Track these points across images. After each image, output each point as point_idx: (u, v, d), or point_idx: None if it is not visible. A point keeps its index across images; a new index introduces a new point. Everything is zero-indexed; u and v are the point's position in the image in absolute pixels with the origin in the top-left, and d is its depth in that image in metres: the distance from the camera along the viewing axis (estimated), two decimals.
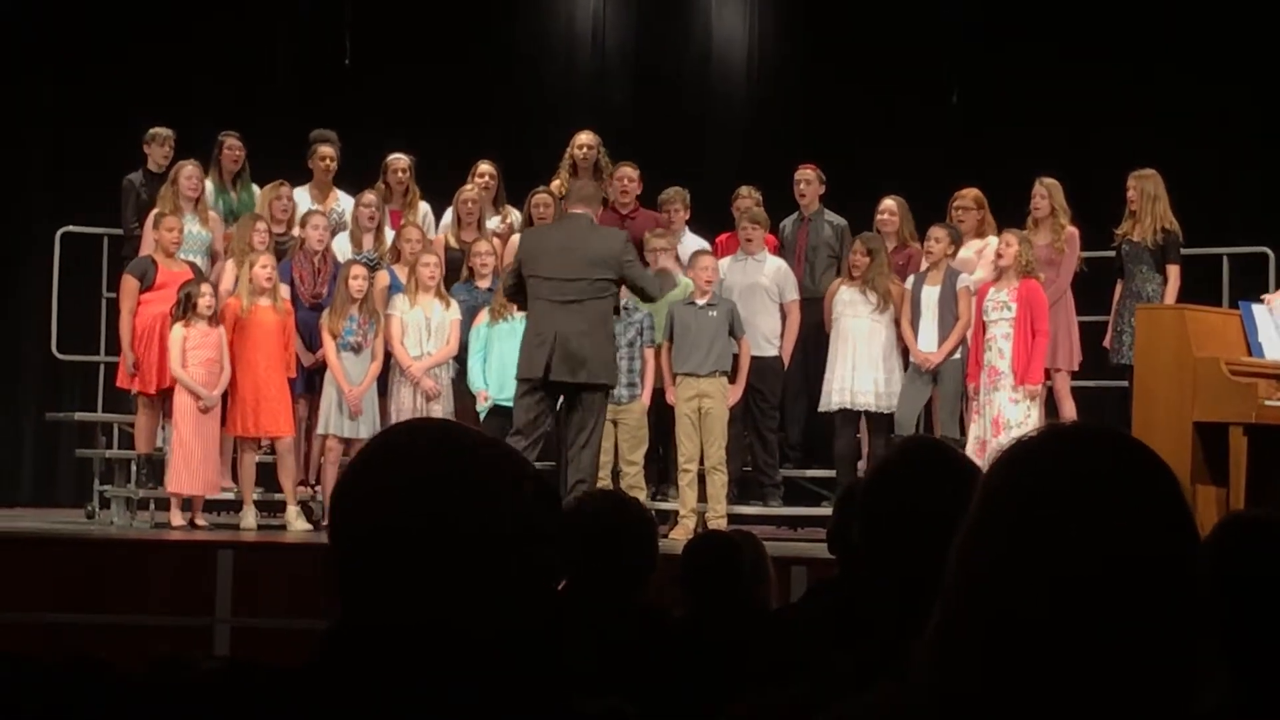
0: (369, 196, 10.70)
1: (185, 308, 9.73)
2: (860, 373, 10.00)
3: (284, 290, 10.13)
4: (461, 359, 10.15)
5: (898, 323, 10.10)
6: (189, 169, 10.42)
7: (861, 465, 10.03)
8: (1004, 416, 9.53)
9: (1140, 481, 1.56)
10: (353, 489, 1.78)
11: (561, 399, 9.07)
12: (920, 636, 1.63)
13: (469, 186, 10.80)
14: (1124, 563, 1.51)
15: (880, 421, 10.04)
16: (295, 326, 10.14)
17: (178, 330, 9.74)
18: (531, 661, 1.76)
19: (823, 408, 10.18)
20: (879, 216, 10.60)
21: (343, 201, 11.04)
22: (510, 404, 9.42)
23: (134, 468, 10.28)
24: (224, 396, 9.93)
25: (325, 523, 9.83)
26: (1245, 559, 2.27)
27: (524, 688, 1.75)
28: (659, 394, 10.11)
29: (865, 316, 10.04)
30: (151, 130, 10.91)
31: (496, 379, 9.90)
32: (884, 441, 9.92)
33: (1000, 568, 1.54)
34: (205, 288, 9.79)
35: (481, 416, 9.93)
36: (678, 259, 10.35)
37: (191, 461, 9.71)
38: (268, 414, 9.91)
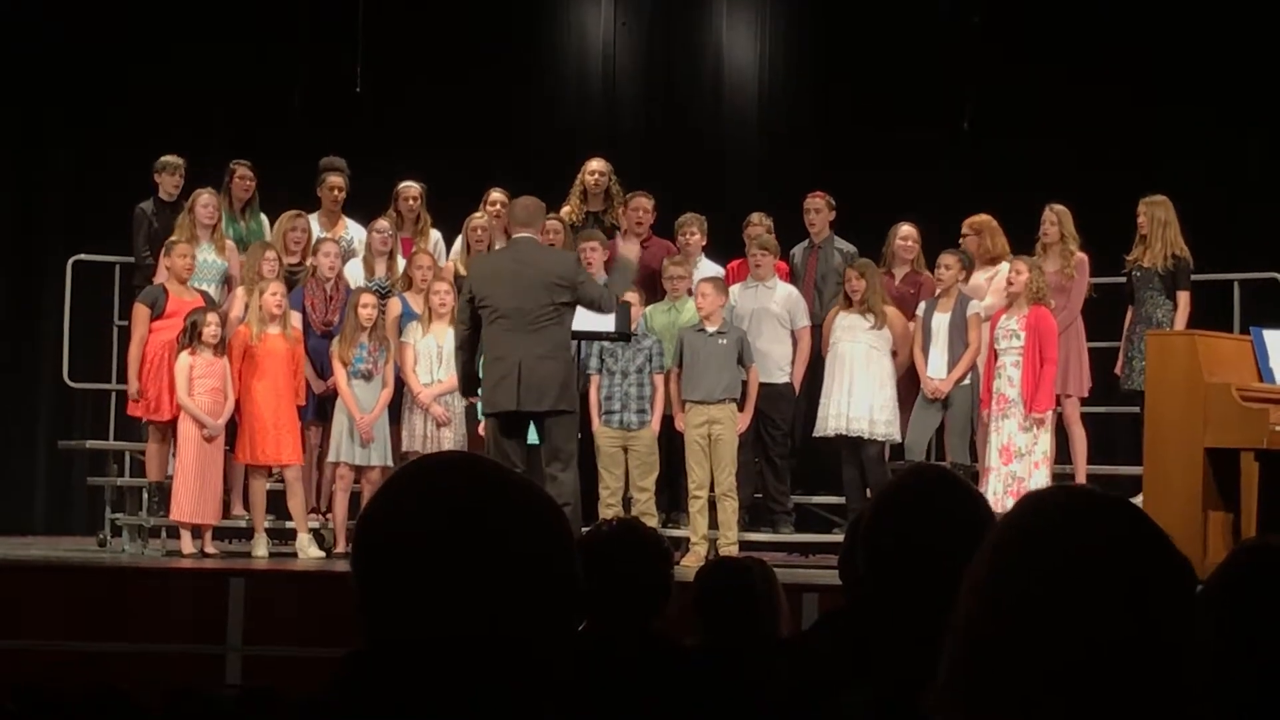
0: (382, 223, 10.71)
1: (191, 336, 9.76)
2: (856, 399, 9.99)
3: (296, 318, 10.15)
4: None
5: (894, 353, 10.10)
6: (205, 197, 10.44)
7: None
8: (1014, 444, 9.53)
9: (1143, 557, 1.61)
10: (380, 513, 1.81)
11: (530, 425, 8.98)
12: (930, 668, 1.65)
13: (479, 214, 10.80)
14: (1123, 636, 1.57)
15: (875, 448, 10.02)
16: (306, 354, 10.16)
17: (184, 358, 9.76)
18: (548, 687, 1.77)
19: (818, 433, 10.17)
20: (901, 243, 10.59)
21: (351, 230, 11.04)
22: None
23: (145, 495, 10.30)
24: (233, 424, 9.96)
25: (338, 549, 9.92)
26: (1259, 588, 2.27)
27: (541, 712, 1.76)
28: (668, 420, 10.11)
29: (863, 342, 10.03)
30: (162, 159, 10.91)
31: None
32: (879, 468, 9.92)
33: (1003, 630, 1.59)
34: (211, 316, 9.81)
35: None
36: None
37: (193, 489, 9.72)
38: (276, 442, 9.93)
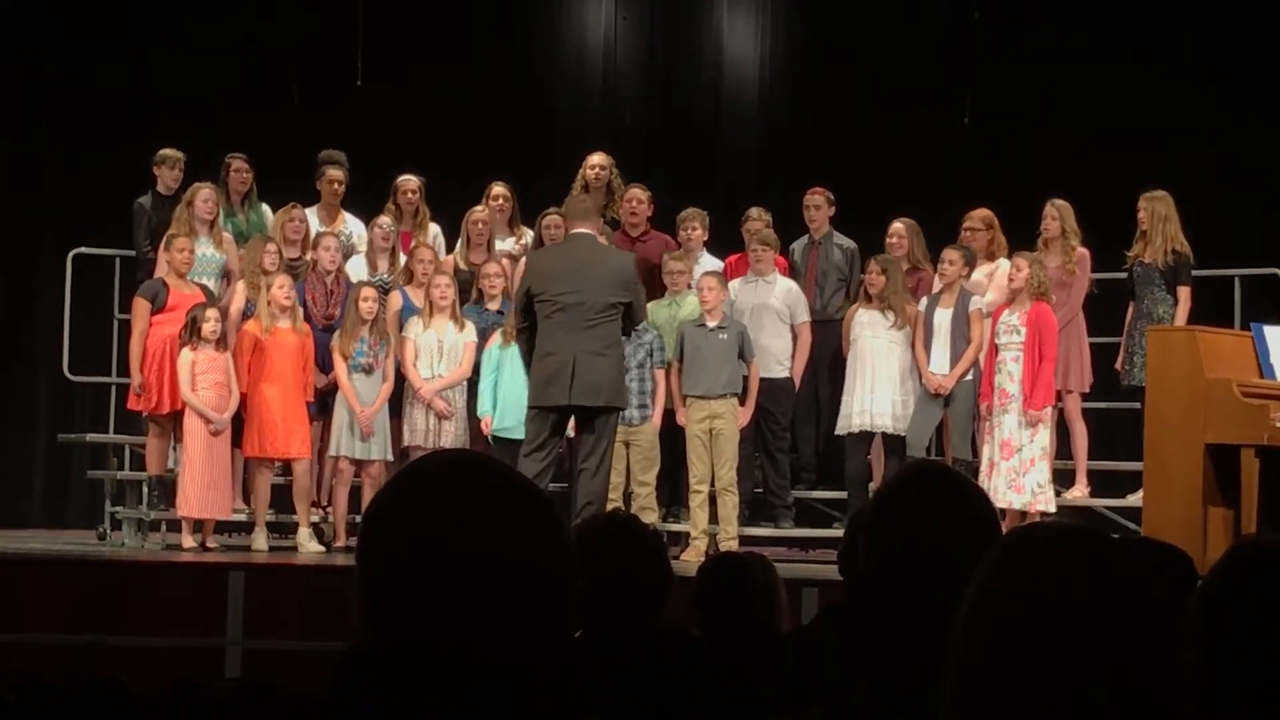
0: (384, 219, 10.70)
1: (191, 332, 9.75)
2: (879, 394, 9.99)
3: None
4: (473, 381, 10.13)
5: (914, 345, 10.10)
6: (205, 192, 10.43)
7: (873, 487, 10.02)
8: (1013, 439, 9.54)
9: (1124, 601, 1.65)
10: (386, 511, 1.81)
11: (572, 420, 9.03)
12: (930, 664, 1.67)
13: (479, 208, 10.79)
14: (1105, 677, 1.61)
15: (896, 443, 10.03)
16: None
17: (186, 354, 9.76)
18: (548, 685, 1.77)
19: (840, 430, 10.16)
20: (888, 240, 10.60)
21: (350, 224, 11.03)
22: (512, 436, 9.47)
23: (145, 489, 10.29)
24: (240, 417, 9.95)
25: (338, 544, 9.92)
26: (1257, 585, 2.27)
27: (539, 711, 1.76)
28: (669, 415, 10.11)
29: (883, 337, 10.03)
30: (161, 152, 10.87)
31: (504, 402, 9.88)
32: (897, 463, 9.91)
33: (991, 664, 1.62)
34: (211, 312, 9.79)
35: (490, 440, 9.90)
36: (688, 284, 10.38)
37: (201, 485, 9.71)
38: (286, 435, 9.91)
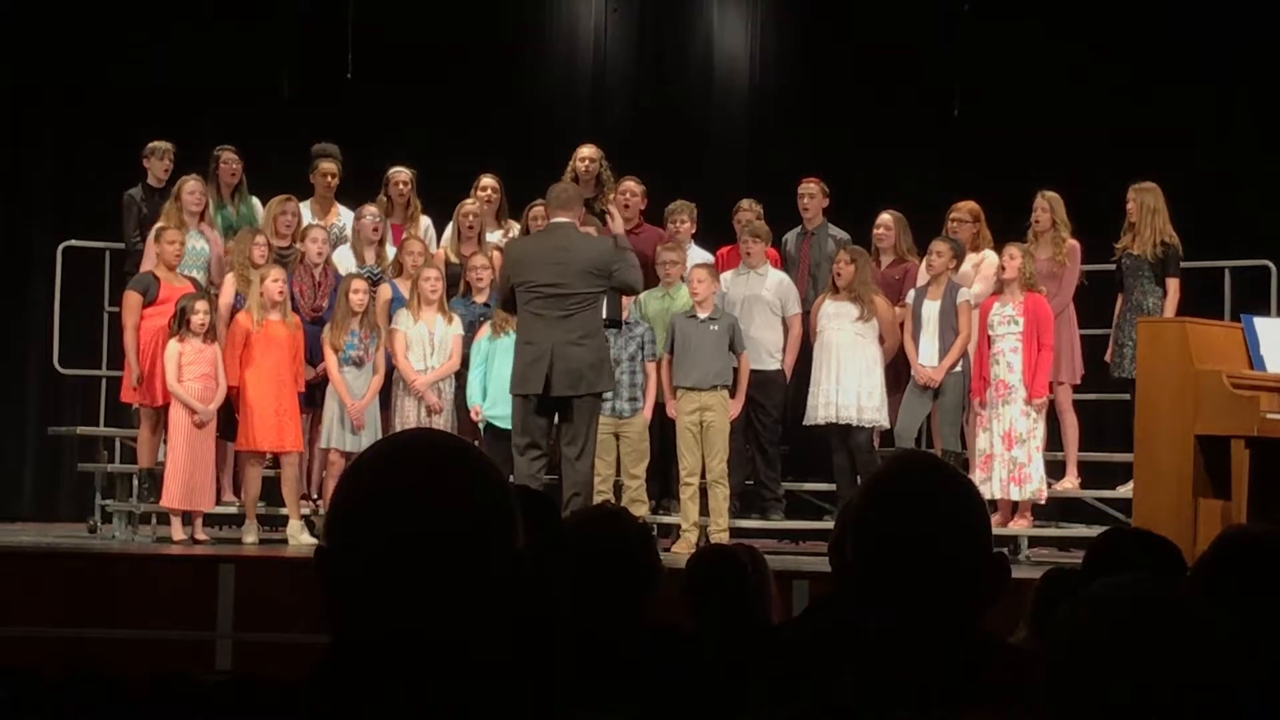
0: (369, 209, 10.69)
1: (180, 323, 9.75)
2: (844, 385, 9.98)
3: None
4: (461, 373, 10.13)
5: (883, 339, 10.08)
6: (191, 184, 10.42)
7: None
8: (1015, 430, 9.54)
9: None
10: (344, 501, 1.80)
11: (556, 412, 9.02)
12: (918, 655, 1.67)
13: (469, 200, 10.79)
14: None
15: (861, 434, 10.01)
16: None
17: (174, 345, 9.75)
18: (527, 674, 1.77)
19: (808, 421, 10.17)
20: (875, 231, 10.61)
21: (344, 216, 11.02)
22: (503, 425, 9.45)
23: (136, 482, 10.28)
24: (231, 410, 9.94)
25: None
26: (1244, 573, 2.27)
27: (520, 701, 1.76)
28: (660, 408, 10.11)
29: (848, 329, 10.02)
30: (151, 144, 10.88)
31: (494, 394, 9.88)
32: (868, 455, 9.90)
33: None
34: (199, 304, 9.79)
35: (481, 430, 9.91)
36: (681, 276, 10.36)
37: (184, 476, 9.70)
38: (279, 428, 9.90)
